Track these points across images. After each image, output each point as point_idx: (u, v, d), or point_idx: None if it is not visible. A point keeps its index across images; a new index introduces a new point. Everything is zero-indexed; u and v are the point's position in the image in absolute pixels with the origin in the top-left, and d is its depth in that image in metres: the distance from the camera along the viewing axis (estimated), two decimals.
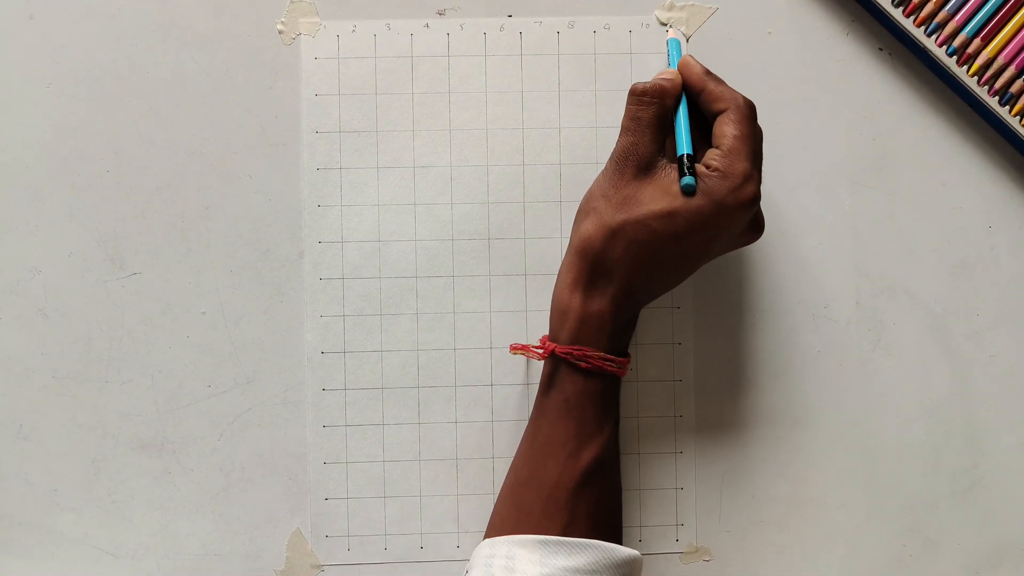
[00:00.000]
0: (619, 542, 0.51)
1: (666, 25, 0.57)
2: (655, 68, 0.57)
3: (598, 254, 0.50)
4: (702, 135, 0.52)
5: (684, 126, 0.52)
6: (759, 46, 0.58)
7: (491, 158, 0.57)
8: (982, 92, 0.56)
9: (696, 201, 0.49)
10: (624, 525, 0.57)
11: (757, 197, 0.50)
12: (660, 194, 0.50)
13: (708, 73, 0.52)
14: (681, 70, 0.53)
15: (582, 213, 0.52)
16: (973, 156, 0.58)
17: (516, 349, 0.53)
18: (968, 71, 0.56)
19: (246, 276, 0.57)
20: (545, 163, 0.57)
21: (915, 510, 0.58)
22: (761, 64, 0.58)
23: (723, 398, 0.58)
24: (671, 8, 0.57)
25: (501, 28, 0.57)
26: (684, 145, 0.51)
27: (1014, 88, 0.56)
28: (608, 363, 0.50)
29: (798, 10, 0.58)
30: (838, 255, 0.58)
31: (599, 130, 0.57)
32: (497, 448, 0.57)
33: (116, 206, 0.56)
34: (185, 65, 0.57)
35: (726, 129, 0.50)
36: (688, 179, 0.49)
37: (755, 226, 0.53)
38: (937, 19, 0.56)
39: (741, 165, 0.49)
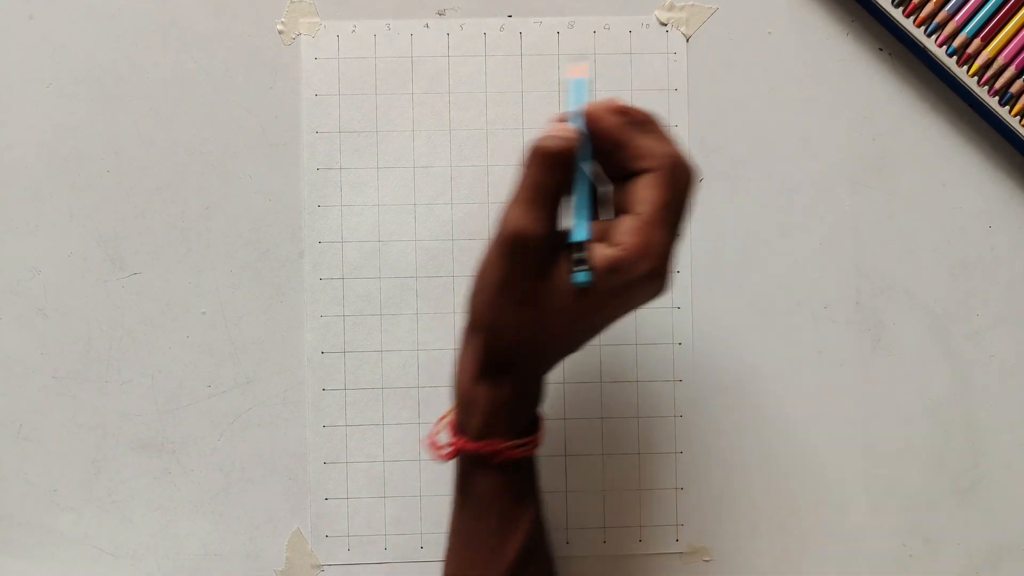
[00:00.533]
0: None
1: (666, 25, 0.57)
2: (655, 68, 0.57)
3: (494, 343, 0.45)
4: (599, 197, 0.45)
5: (585, 204, 0.43)
6: (759, 46, 0.58)
7: (491, 158, 0.57)
8: (982, 92, 0.56)
9: (605, 285, 0.43)
10: (624, 525, 0.57)
11: (670, 277, 0.43)
12: (559, 278, 0.43)
13: (631, 124, 0.43)
14: (594, 120, 0.43)
15: (476, 299, 0.45)
16: (973, 156, 0.58)
17: (431, 444, 0.48)
18: (968, 71, 0.56)
19: (246, 276, 0.57)
20: None
21: (915, 510, 0.58)
22: (761, 64, 0.58)
23: (723, 398, 0.58)
24: (671, 8, 0.57)
25: (501, 28, 0.57)
26: (580, 229, 0.42)
27: (1014, 88, 0.56)
28: (521, 448, 0.46)
29: (798, 10, 0.58)
30: (838, 255, 0.58)
31: None
32: None
33: (116, 206, 0.56)
34: (185, 65, 0.57)
35: (646, 193, 0.42)
36: (582, 277, 0.42)
37: (659, 296, 0.45)
38: (937, 19, 0.56)
39: (655, 241, 0.42)
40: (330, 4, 0.57)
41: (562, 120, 0.44)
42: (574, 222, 0.43)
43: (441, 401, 0.57)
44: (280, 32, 0.57)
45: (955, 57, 0.56)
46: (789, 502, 0.58)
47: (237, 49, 0.57)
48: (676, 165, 0.42)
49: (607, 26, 0.57)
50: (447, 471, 0.57)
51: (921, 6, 0.56)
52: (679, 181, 0.42)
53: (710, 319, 0.58)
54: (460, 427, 0.47)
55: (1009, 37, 0.56)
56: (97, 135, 0.56)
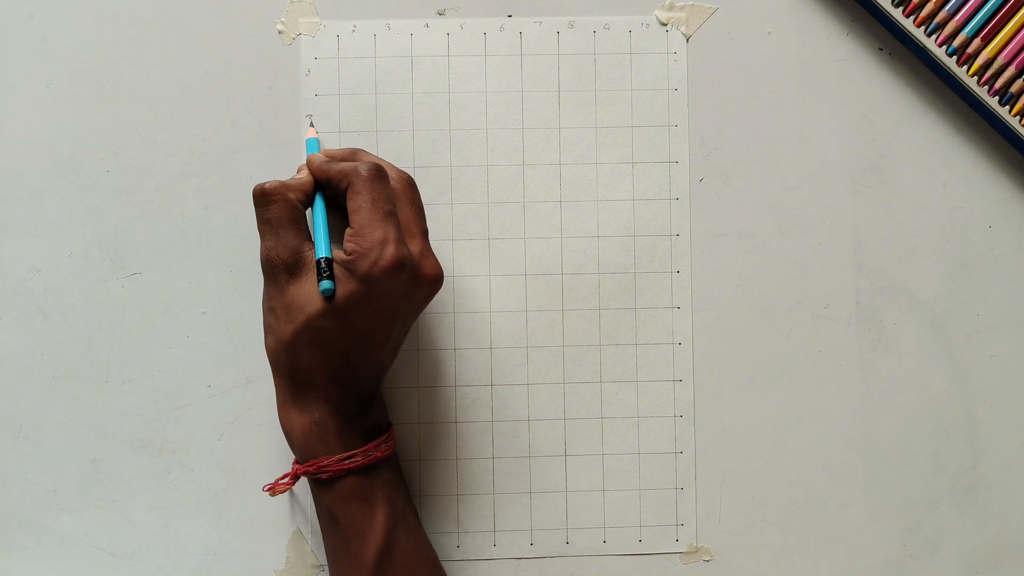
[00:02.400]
0: None
1: (666, 25, 0.57)
2: (655, 68, 0.57)
3: (289, 369, 0.50)
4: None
5: (321, 226, 0.50)
6: (759, 46, 0.58)
7: (491, 158, 0.57)
8: (982, 92, 0.56)
9: (348, 287, 0.47)
10: (624, 525, 0.57)
11: (401, 256, 0.48)
12: (316, 293, 0.48)
13: (330, 160, 0.51)
14: (310, 165, 0.51)
15: (264, 329, 0.51)
16: (973, 156, 0.58)
17: (267, 488, 0.52)
18: (968, 71, 0.56)
19: (246, 276, 0.57)
20: (545, 163, 0.57)
21: (915, 510, 0.58)
22: (761, 64, 0.58)
23: (723, 398, 0.58)
24: (671, 8, 0.57)
25: (501, 28, 0.57)
26: (320, 248, 0.49)
27: (1014, 88, 0.56)
28: (351, 460, 0.49)
29: (798, 10, 0.58)
30: (838, 255, 0.58)
31: (599, 130, 0.57)
32: (497, 448, 0.57)
33: (116, 206, 0.56)
34: (185, 65, 0.57)
35: (351, 204, 0.48)
36: (325, 284, 0.48)
37: (423, 279, 0.50)
38: (937, 19, 0.56)
39: (373, 235, 0.47)
40: (330, 4, 0.57)
41: (300, 170, 0.52)
42: (316, 244, 0.49)
43: (441, 401, 0.57)
44: (280, 32, 0.57)
45: (955, 57, 0.56)
46: (789, 502, 0.58)
47: (237, 49, 0.57)
48: (361, 172, 0.49)
49: (607, 26, 0.57)
50: (447, 471, 0.57)
51: (921, 6, 0.56)
52: (372, 181, 0.48)
53: (710, 319, 0.58)
54: (296, 458, 0.51)
55: (1009, 37, 0.56)
56: (97, 135, 0.56)
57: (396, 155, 0.57)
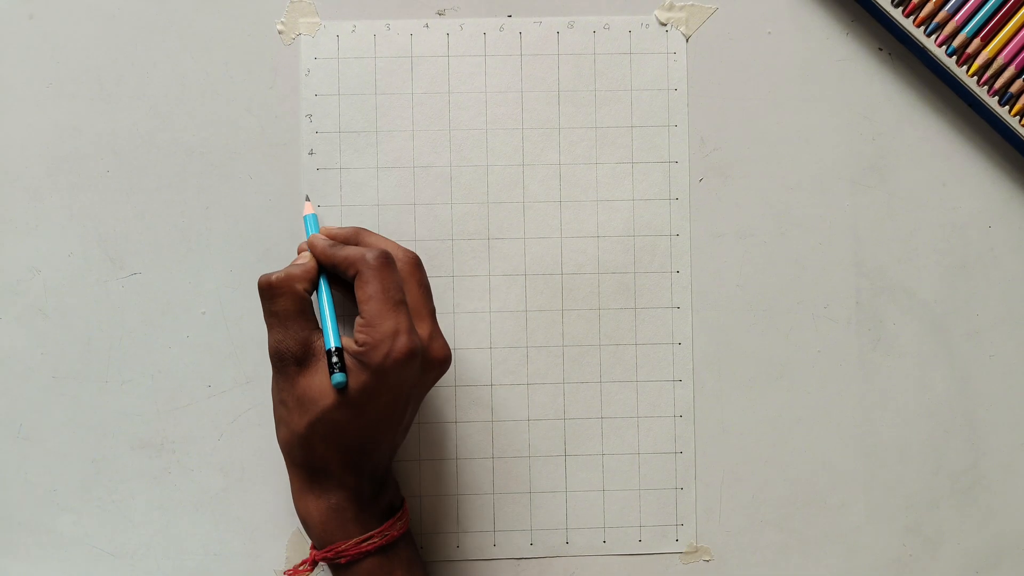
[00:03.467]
0: None
1: (666, 25, 0.57)
2: (654, 68, 0.57)
3: (303, 460, 0.50)
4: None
5: (328, 315, 0.49)
6: (759, 46, 0.58)
7: (491, 158, 0.57)
8: (982, 92, 0.56)
9: (360, 378, 0.47)
10: (624, 525, 0.57)
11: (413, 347, 0.48)
12: (328, 386, 0.48)
13: (335, 244, 0.50)
14: (312, 249, 0.51)
15: (275, 420, 0.51)
16: (973, 156, 0.58)
17: (287, 574, 0.52)
18: (968, 71, 0.56)
19: (246, 276, 0.57)
20: (545, 163, 0.57)
21: (915, 510, 0.58)
22: (761, 64, 0.58)
23: (723, 398, 0.58)
24: (671, 8, 0.57)
25: (501, 28, 0.57)
26: (330, 339, 0.48)
27: (1014, 88, 0.56)
28: (368, 543, 0.49)
29: (798, 10, 0.58)
30: (838, 255, 0.58)
31: (599, 130, 0.57)
32: (497, 448, 0.57)
33: (116, 206, 0.56)
34: (185, 65, 0.57)
35: (360, 294, 0.48)
36: (337, 378, 0.47)
37: (434, 362, 0.51)
38: (937, 19, 0.56)
39: (384, 326, 0.47)
40: (330, 4, 0.57)
41: (301, 251, 0.52)
42: (325, 334, 0.49)
43: (440, 401, 0.57)
44: (280, 32, 0.57)
45: (955, 57, 0.56)
46: (789, 502, 0.58)
47: (237, 49, 0.57)
48: (370, 261, 0.48)
49: (607, 26, 0.57)
50: (447, 471, 0.57)
51: (921, 6, 0.56)
52: (381, 270, 0.48)
53: (710, 319, 0.58)
54: (313, 544, 0.51)
55: (1009, 37, 0.56)
56: (97, 135, 0.56)
57: (396, 155, 0.57)
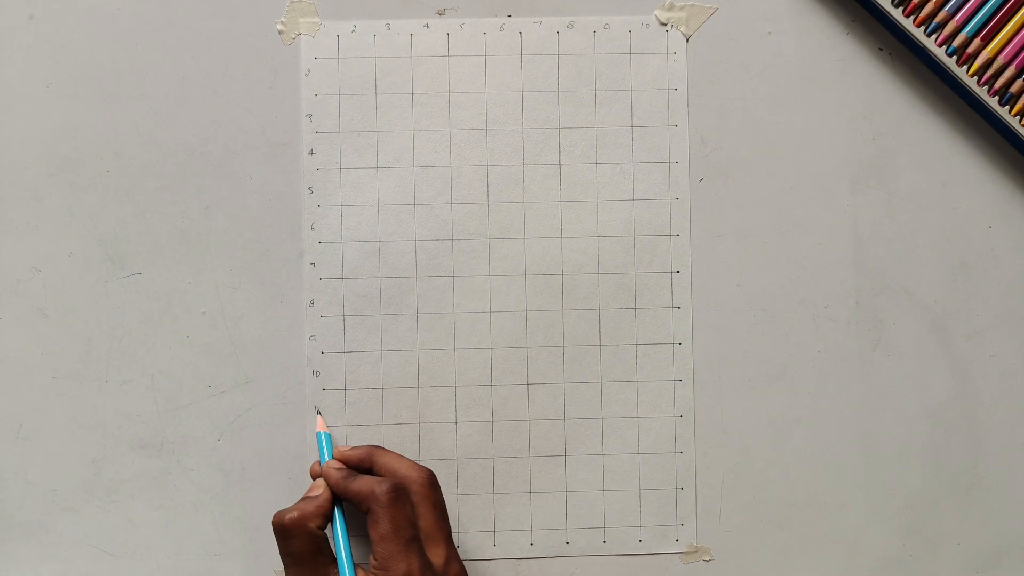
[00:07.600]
0: None
1: (666, 25, 0.57)
2: (654, 68, 0.57)
3: None
4: None
5: (344, 555, 0.50)
6: (759, 46, 0.58)
7: (491, 158, 0.57)
8: (982, 92, 0.56)
9: None
10: (624, 525, 0.57)
11: None
12: None
13: (348, 475, 0.51)
14: (326, 478, 0.51)
15: None
16: (973, 156, 0.58)
17: None
18: (968, 71, 0.56)
19: (246, 276, 0.57)
20: (545, 163, 0.57)
21: (915, 510, 0.58)
22: (761, 64, 0.58)
23: (723, 398, 0.58)
24: (671, 8, 0.57)
25: (501, 28, 0.57)
26: (345, 573, 0.49)
27: (1014, 88, 0.56)
28: None
29: (798, 10, 0.58)
30: (838, 255, 0.58)
31: (599, 130, 0.57)
32: (497, 448, 0.57)
33: (116, 206, 0.56)
34: (185, 65, 0.57)
35: (373, 533, 0.48)
36: None
37: None
38: (937, 19, 0.56)
39: (397, 568, 0.48)
40: (330, 4, 0.57)
41: (313, 474, 0.53)
42: (340, 568, 0.49)
43: (441, 401, 0.57)
44: (280, 32, 0.57)
45: (955, 57, 0.56)
46: (789, 502, 0.58)
47: (237, 49, 0.57)
48: (380, 498, 0.48)
49: (607, 26, 0.57)
50: (447, 471, 0.57)
51: (921, 6, 0.56)
52: (391, 507, 0.48)
53: (710, 319, 0.58)
54: None
55: (1009, 37, 0.56)
56: (97, 135, 0.56)
57: (396, 155, 0.57)
